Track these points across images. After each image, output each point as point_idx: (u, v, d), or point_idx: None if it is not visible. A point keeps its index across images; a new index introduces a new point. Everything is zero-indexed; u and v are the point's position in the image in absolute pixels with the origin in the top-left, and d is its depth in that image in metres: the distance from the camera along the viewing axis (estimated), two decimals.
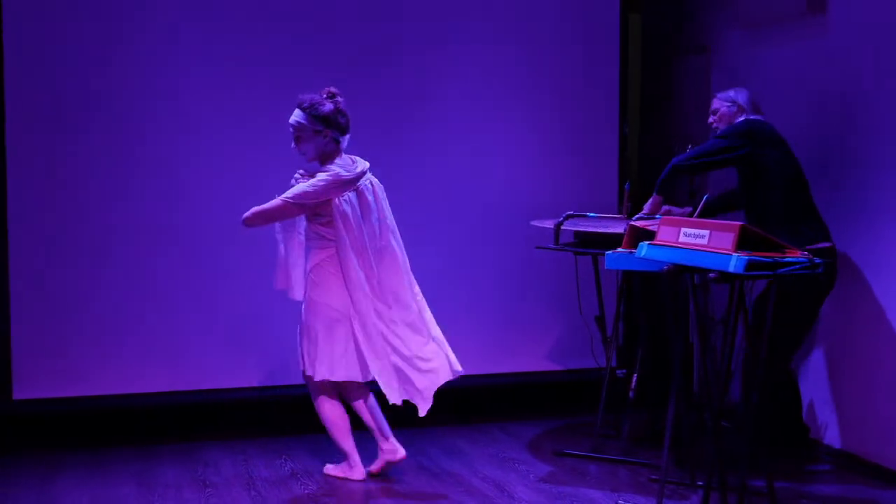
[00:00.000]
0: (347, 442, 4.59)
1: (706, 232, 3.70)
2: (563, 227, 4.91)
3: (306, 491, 4.49)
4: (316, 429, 5.29)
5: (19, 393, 5.02)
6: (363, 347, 4.47)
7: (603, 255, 4.38)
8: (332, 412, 4.57)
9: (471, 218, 5.68)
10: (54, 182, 5.09)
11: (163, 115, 5.22)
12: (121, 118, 5.16)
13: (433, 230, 5.61)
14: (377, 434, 4.60)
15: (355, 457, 4.60)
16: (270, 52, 5.34)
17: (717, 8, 5.90)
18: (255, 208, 4.40)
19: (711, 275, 3.73)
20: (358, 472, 4.60)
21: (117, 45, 5.14)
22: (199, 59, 5.24)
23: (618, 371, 5.34)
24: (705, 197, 4.68)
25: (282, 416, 5.56)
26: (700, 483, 4.36)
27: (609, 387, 5.13)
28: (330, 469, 4.70)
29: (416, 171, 5.58)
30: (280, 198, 4.40)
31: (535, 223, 5.16)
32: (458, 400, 5.78)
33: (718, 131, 4.74)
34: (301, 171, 4.54)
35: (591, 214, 5.09)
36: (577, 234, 5.03)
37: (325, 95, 4.47)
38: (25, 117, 5.03)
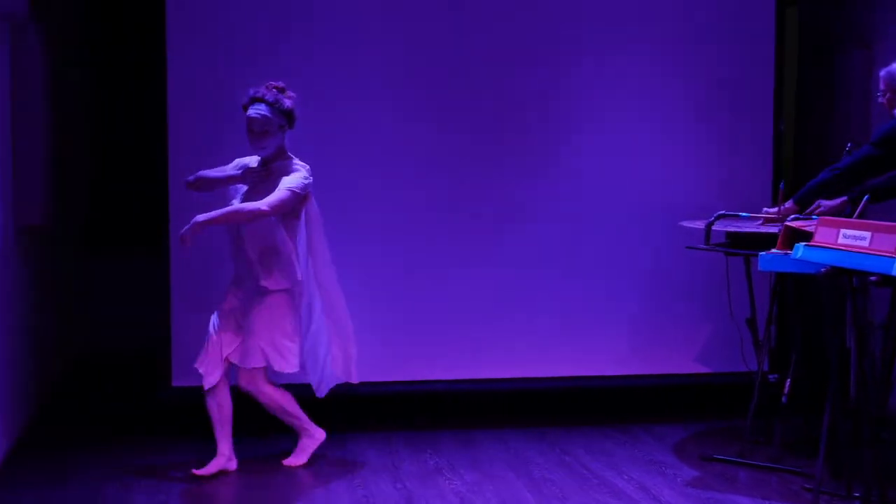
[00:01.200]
0: (301, 413, 4.77)
1: (867, 234, 3.58)
2: (714, 228, 4.82)
3: (450, 486, 4.53)
4: (463, 424, 5.36)
5: (179, 380, 5.22)
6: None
7: (756, 255, 4.28)
8: (280, 394, 4.70)
9: (621, 218, 5.64)
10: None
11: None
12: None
13: (584, 230, 5.59)
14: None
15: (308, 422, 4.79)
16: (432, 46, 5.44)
17: (881, 3, 5.67)
18: (273, 200, 4.40)
19: (872, 278, 3.60)
20: (318, 433, 4.82)
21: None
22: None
23: (770, 375, 5.20)
24: (865, 198, 4.50)
25: (427, 411, 5.64)
26: (857, 495, 4.22)
27: (760, 391, 5.00)
28: (294, 460, 4.79)
29: (566, 172, 5.57)
30: (288, 189, 4.45)
31: (685, 223, 5.08)
32: (604, 400, 5.75)
33: (873, 135, 4.53)
34: (243, 164, 4.62)
35: (744, 214, 4.97)
36: (728, 234, 4.93)
37: (276, 90, 4.52)
38: (187, 106, 5.22)
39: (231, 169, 4.66)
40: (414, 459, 4.90)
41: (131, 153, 6.91)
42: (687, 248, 5.00)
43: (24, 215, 5.04)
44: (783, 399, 4.91)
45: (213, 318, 4.66)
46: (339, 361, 4.84)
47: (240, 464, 4.73)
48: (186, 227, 4.33)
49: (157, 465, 4.77)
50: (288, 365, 4.58)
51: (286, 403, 4.70)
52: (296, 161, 4.60)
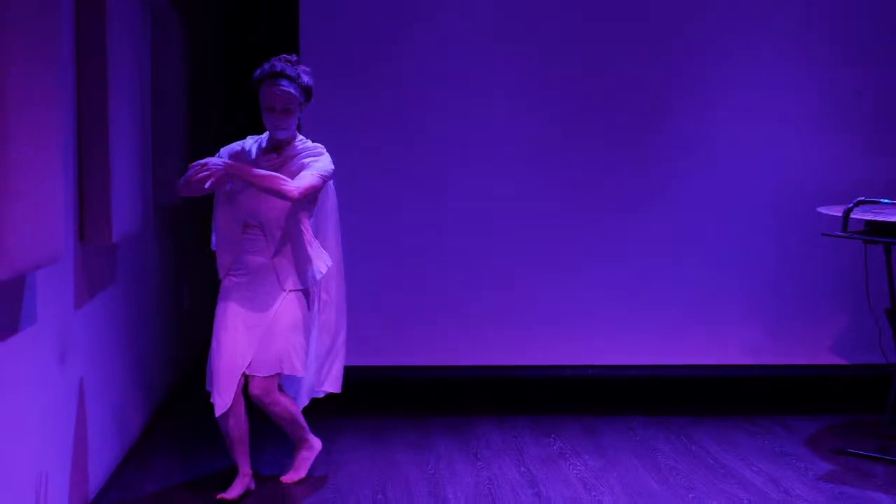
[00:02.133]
0: (305, 422, 4.30)
1: None
2: (852, 215, 4.65)
3: (574, 471, 4.50)
4: (588, 410, 5.33)
5: None
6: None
7: None
8: (291, 403, 4.24)
9: (756, 205, 5.53)
10: (345, 161, 5.34)
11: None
12: (398, 110, 5.35)
13: (718, 217, 5.51)
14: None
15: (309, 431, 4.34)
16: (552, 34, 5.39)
17: None
18: (304, 184, 3.87)
19: None
20: (317, 443, 4.37)
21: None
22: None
23: None
24: None
25: (552, 396, 5.63)
26: None
27: None
28: (294, 475, 4.32)
29: (701, 159, 5.50)
30: (319, 174, 3.94)
31: (823, 210, 4.92)
32: (734, 390, 5.64)
33: None
34: (234, 151, 4.11)
35: (886, 201, 4.79)
36: (868, 222, 4.75)
37: (292, 64, 4.04)
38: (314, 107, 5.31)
39: (226, 159, 4.02)
40: (538, 443, 4.89)
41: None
42: (823, 234, 4.86)
43: (163, 195, 5.21)
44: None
45: (218, 333, 4.02)
46: (326, 371, 4.36)
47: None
48: (217, 161, 3.88)
49: (285, 442, 4.86)
50: (298, 368, 4.07)
51: (297, 412, 4.23)
52: (310, 143, 4.10)
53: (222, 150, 4.11)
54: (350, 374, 5.44)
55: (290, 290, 4.04)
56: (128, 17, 4.23)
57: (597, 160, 5.48)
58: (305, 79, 4.03)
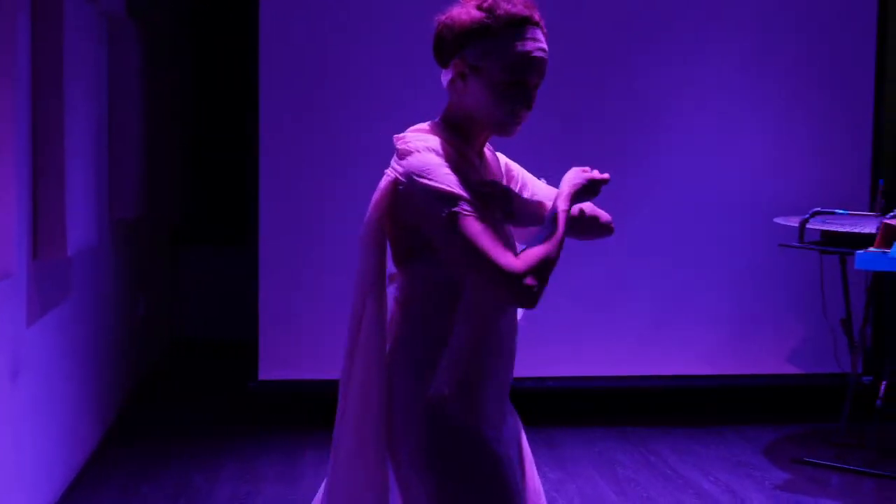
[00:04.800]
0: None
1: None
2: (808, 225, 4.70)
3: None
4: (547, 423, 5.33)
5: (265, 373, 5.29)
6: None
7: (852, 254, 4.16)
8: None
9: (713, 215, 5.53)
10: (305, 169, 5.30)
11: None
12: (366, 111, 5.33)
13: (676, 228, 5.51)
14: None
15: None
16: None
17: None
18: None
19: None
20: None
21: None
22: None
23: (864, 378, 5.07)
24: None
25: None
26: None
27: (854, 394, 4.87)
28: None
29: (658, 170, 5.49)
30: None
31: (780, 220, 4.97)
32: (692, 400, 5.67)
33: None
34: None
35: (841, 212, 4.85)
36: (823, 232, 4.81)
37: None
38: (276, 116, 5.28)
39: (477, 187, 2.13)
40: None
41: (223, 149, 7.02)
42: (780, 245, 4.90)
43: (118, 208, 5.15)
44: (878, 402, 4.78)
45: (501, 477, 2.18)
46: None
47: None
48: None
49: (244, 457, 4.84)
50: None
51: None
52: None
53: (430, 164, 2.06)
54: (311, 386, 5.43)
55: None
56: (84, 29, 4.19)
57: (558, 171, 5.45)
58: None
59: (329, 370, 5.31)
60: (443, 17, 2.12)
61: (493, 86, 2.07)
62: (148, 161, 5.77)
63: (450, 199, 2.01)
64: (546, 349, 5.47)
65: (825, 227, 4.74)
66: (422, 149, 2.07)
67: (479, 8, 2.07)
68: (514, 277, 2.00)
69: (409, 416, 2.10)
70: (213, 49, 7.11)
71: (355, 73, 5.30)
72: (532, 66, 2.08)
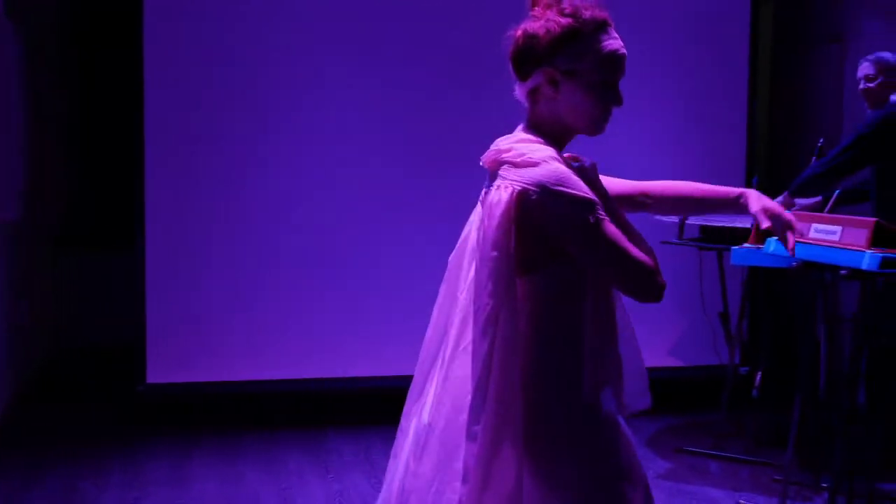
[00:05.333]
0: None
1: (838, 228, 3.62)
2: (688, 222, 4.86)
3: None
4: None
5: (153, 377, 5.23)
6: None
7: (728, 250, 4.32)
8: None
9: None
10: (191, 173, 5.26)
11: (290, 113, 5.35)
12: (250, 114, 5.31)
13: None
14: None
15: None
16: (383, 44, 5.43)
17: None
18: None
19: (842, 272, 3.65)
20: None
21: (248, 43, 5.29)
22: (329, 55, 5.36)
23: (741, 369, 5.26)
24: (836, 192, 4.56)
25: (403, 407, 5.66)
26: (825, 486, 4.28)
27: (732, 384, 5.05)
28: None
29: None
30: None
31: (660, 217, 5.11)
32: None
33: (860, 124, 4.53)
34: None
35: None
36: (702, 228, 4.97)
37: None
38: (162, 118, 5.22)
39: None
40: (388, 454, 4.91)
41: (108, 151, 6.89)
42: (661, 242, 5.04)
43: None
44: (754, 392, 4.97)
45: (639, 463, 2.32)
46: None
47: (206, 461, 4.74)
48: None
49: (132, 462, 4.77)
50: None
51: None
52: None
53: (562, 173, 2.10)
54: (198, 389, 5.38)
55: None
56: None
57: (425, 175, 5.50)
58: None
59: (217, 372, 5.30)
60: (523, 31, 2.15)
61: (589, 86, 2.13)
62: (30, 163, 5.63)
63: (590, 205, 2.08)
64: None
65: (704, 223, 4.91)
66: (547, 158, 2.09)
67: (564, 15, 2.12)
68: (652, 275, 2.16)
69: (565, 423, 2.14)
70: (98, 50, 6.97)
71: (242, 75, 5.28)
72: (620, 63, 2.17)
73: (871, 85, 4.50)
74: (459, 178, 5.48)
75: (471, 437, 2.07)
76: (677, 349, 5.82)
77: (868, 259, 3.43)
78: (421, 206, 5.46)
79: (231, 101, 5.26)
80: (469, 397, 2.09)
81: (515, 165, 2.10)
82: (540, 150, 2.12)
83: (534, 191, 2.06)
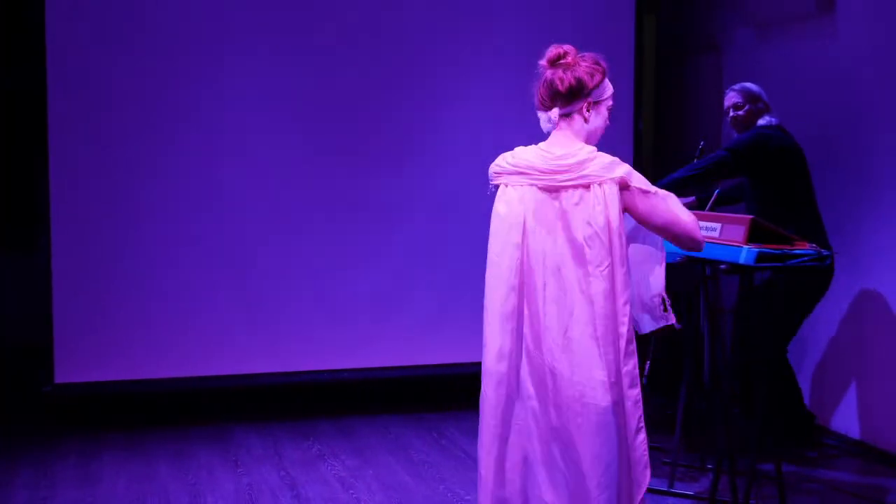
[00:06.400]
0: None
1: (718, 225, 3.83)
2: None
3: (332, 471, 4.69)
4: (342, 412, 5.47)
5: (61, 377, 5.23)
6: None
7: None
8: None
9: (484, 215, 5.78)
10: (97, 169, 5.26)
11: (200, 114, 5.40)
12: (157, 113, 5.35)
13: (452, 228, 5.73)
14: None
15: None
16: (313, 53, 5.52)
17: (728, 8, 6.05)
18: None
19: (723, 266, 3.88)
20: None
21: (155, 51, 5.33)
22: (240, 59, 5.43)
23: None
24: (716, 191, 4.84)
25: (308, 400, 5.78)
26: (710, 466, 4.54)
27: None
28: None
29: (435, 178, 5.69)
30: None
31: None
32: (476, 384, 5.96)
33: (732, 140, 4.83)
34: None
35: None
36: None
37: None
38: (69, 114, 5.22)
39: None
40: (297, 447, 5.04)
41: (9, 148, 6.78)
42: None
43: None
44: (643, 380, 5.22)
45: None
46: None
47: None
48: None
49: (40, 462, 4.78)
50: None
51: None
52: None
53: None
54: (106, 388, 5.39)
55: None
56: None
57: (349, 174, 5.59)
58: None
59: (124, 371, 5.32)
60: (571, 76, 3.06)
61: (606, 112, 3.14)
62: None
63: (650, 182, 3.05)
64: (342, 343, 5.63)
65: None
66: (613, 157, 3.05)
67: (597, 64, 3.09)
68: (698, 230, 3.04)
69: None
70: None
71: (147, 67, 5.29)
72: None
73: (739, 113, 4.86)
74: (373, 178, 5.62)
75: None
76: None
77: (745, 254, 3.64)
78: (326, 202, 5.57)
79: (137, 93, 5.27)
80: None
81: (603, 164, 3.04)
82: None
83: (630, 178, 3.03)
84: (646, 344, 5.51)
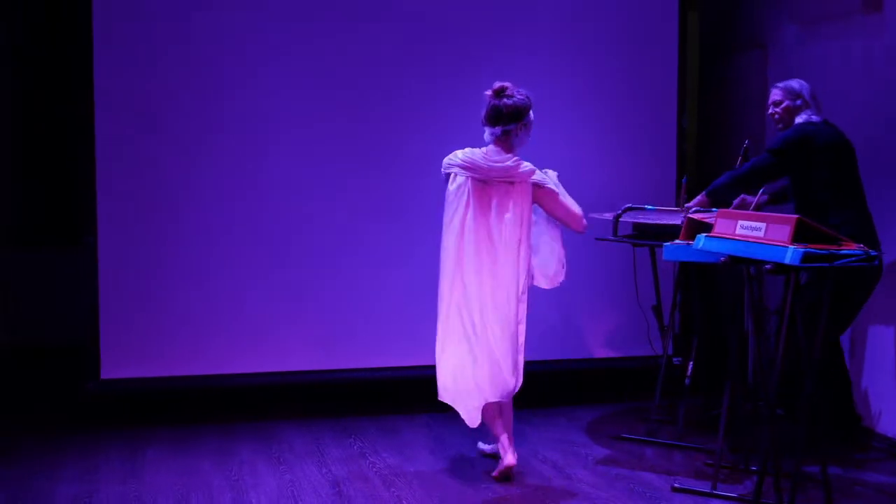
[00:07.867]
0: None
1: (763, 224, 3.80)
2: (622, 220, 5.05)
3: (374, 469, 4.70)
4: (385, 410, 5.49)
5: (106, 373, 5.29)
6: None
7: (661, 246, 4.51)
8: None
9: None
10: (143, 166, 5.32)
11: (247, 110, 5.44)
12: (207, 110, 5.39)
13: None
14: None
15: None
16: (347, 48, 5.55)
17: (772, 5, 5.99)
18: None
19: (767, 266, 3.84)
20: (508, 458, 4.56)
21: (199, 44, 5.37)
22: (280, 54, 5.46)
23: (674, 359, 5.47)
24: (762, 191, 4.80)
25: (350, 398, 5.80)
26: (754, 468, 4.50)
27: (665, 374, 5.26)
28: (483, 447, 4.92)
29: None
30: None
31: (594, 215, 5.29)
32: (525, 385, 5.97)
33: (773, 141, 4.81)
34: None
35: (650, 207, 5.23)
36: (635, 225, 5.18)
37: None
38: (114, 112, 5.27)
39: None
40: (339, 445, 5.06)
41: (58, 148, 6.87)
42: (597, 239, 5.23)
43: None
44: (686, 381, 5.19)
45: None
46: None
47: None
48: None
49: (85, 458, 4.84)
50: None
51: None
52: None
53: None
54: (151, 385, 5.45)
55: None
56: None
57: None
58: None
59: (170, 368, 5.37)
60: (519, 98, 4.50)
61: (530, 130, 4.55)
62: None
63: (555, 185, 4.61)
64: (382, 342, 5.64)
65: (637, 221, 5.11)
66: (532, 166, 4.57)
67: (528, 98, 4.53)
68: (583, 218, 4.66)
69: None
70: (42, 46, 6.95)
71: (195, 65, 5.33)
72: None
73: (777, 110, 4.85)
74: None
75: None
76: (613, 341, 6.02)
77: (791, 254, 3.61)
78: (369, 203, 5.60)
79: (182, 90, 5.31)
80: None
81: (525, 170, 4.52)
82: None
83: (540, 181, 4.54)
84: (688, 344, 5.48)
